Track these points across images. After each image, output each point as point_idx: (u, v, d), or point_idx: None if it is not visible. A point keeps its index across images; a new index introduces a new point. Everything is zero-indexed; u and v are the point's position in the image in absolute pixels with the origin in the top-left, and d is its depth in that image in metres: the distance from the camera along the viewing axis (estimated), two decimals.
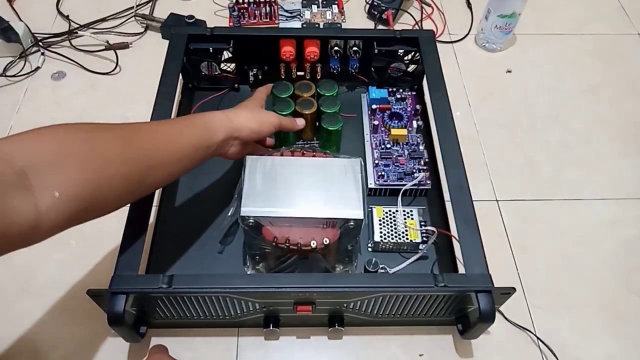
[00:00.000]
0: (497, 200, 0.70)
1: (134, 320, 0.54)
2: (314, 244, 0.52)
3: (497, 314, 0.52)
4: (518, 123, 0.79)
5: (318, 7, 0.93)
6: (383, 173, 0.67)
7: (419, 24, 0.92)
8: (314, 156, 0.58)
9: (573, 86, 0.85)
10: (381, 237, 0.62)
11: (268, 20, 0.90)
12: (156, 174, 0.49)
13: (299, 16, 0.91)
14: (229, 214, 0.56)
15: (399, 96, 0.75)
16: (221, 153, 0.56)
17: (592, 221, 0.69)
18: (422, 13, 0.93)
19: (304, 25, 0.89)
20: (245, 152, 0.58)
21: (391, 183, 0.66)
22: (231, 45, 0.72)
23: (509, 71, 0.87)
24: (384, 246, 0.62)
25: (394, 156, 0.69)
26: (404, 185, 0.65)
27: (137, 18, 0.90)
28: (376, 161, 0.68)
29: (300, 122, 0.65)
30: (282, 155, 0.58)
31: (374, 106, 0.73)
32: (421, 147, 0.70)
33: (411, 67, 0.75)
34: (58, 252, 0.63)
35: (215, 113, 0.56)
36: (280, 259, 0.55)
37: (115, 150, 0.45)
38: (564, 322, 0.60)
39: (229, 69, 0.76)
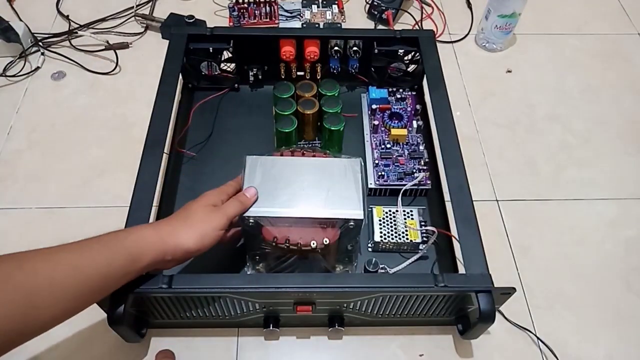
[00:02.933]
0: (497, 200, 0.70)
1: (134, 320, 0.54)
2: (314, 244, 0.52)
3: (497, 314, 0.52)
4: (518, 123, 0.79)
5: (318, 7, 0.93)
6: (383, 173, 0.67)
7: (419, 24, 0.92)
8: (313, 156, 0.58)
9: (573, 86, 0.85)
10: (381, 237, 0.62)
11: (268, 20, 0.90)
12: (45, 314, 0.40)
13: (299, 16, 0.91)
14: None
15: (399, 96, 0.75)
16: (150, 271, 0.49)
17: (592, 221, 0.69)
18: (422, 13, 0.93)
19: (304, 25, 0.89)
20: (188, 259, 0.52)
21: (391, 183, 0.66)
22: (231, 45, 0.72)
23: (509, 71, 0.87)
24: (384, 246, 0.62)
25: (394, 156, 0.69)
26: (404, 185, 0.65)
27: (137, 18, 0.90)
28: (376, 161, 0.68)
29: (250, 193, 0.52)
30: (282, 155, 0.58)
31: (374, 106, 0.73)
32: (421, 147, 0.70)
33: (411, 67, 0.75)
34: None
35: (145, 231, 0.48)
36: (280, 259, 0.55)
37: None
38: (564, 322, 0.60)
39: (229, 69, 0.76)
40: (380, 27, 0.91)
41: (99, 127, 0.76)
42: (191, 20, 0.85)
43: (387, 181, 0.67)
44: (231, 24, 0.90)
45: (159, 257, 0.47)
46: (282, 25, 0.90)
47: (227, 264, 0.61)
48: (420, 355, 0.58)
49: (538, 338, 0.59)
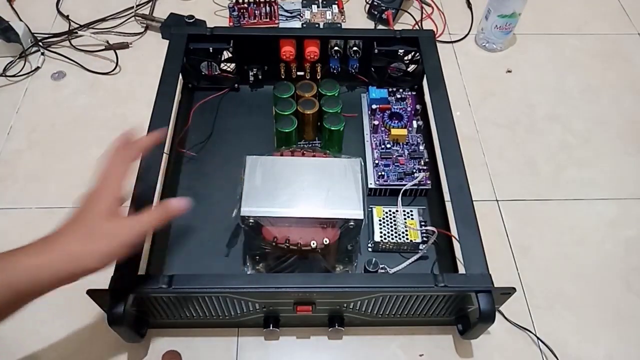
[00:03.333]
0: (497, 200, 0.70)
1: (134, 320, 0.54)
2: (314, 244, 0.52)
3: (497, 314, 0.52)
4: (518, 123, 0.79)
5: (318, 7, 0.93)
6: (383, 173, 0.67)
7: (419, 24, 0.92)
8: (313, 156, 0.58)
9: (573, 86, 0.85)
10: (381, 237, 0.62)
11: (268, 20, 0.90)
12: None
13: (299, 16, 0.91)
14: (233, 214, 0.56)
15: (399, 96, 0.75)
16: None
17: (592, 221, 0.69)
18: (422, 13, 0.93)
19: (304, 25, 0.89)
20: None
21: (391, 183, 0.66)
22: (231, 45, 0.72)
23: (509, 71, 0.87)
24: (384, 246, 0.62)
25: (394, 156, 0.69)
26: (404, 185, 0.65)
27: (137, 18, 0.90)
28: (376, 161, 0.68)
29: (178, 205, 0.46)
30: (282, 155, 0.58)
31: (374, 106, 0.73)
32: (421, 147, 0.70)
33: (411, 67, 0.75)
34: None
35: (36, 259, 0.39)
36: (280, 259, 0.55)
37: None
38: (564, 322, 0.60)
39: (229, 69, 0.76)
40: (380, 27, 0.91)
41: (99, 127, 0.76)
42: (191, 20, 0.85)
43: (387, 181, 0.67)
44: (231, 24, 0.90)
45: (55, 284, 0.40)
46: (282, 25, 0.90)
47: (227, 264, 0.61)
48: (420, 355, 0.58)
49: (538, 338, 0.59)
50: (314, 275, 0.54)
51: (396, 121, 0.72)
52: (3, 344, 0.57)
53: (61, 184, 0.70)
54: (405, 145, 0.70)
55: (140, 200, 0.55)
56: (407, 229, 0.62)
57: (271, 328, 0.55)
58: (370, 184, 0.66)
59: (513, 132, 0.78)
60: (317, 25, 0.90)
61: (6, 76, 0.81)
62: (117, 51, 0.83)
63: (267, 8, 0.89)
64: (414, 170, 0.67)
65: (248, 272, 0.59)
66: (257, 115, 0.75)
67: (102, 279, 0.50)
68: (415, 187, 0.66)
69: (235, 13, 0.89)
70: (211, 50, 0.72)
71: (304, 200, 0.53)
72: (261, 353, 0.57)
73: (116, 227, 0.42)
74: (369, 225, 0.63)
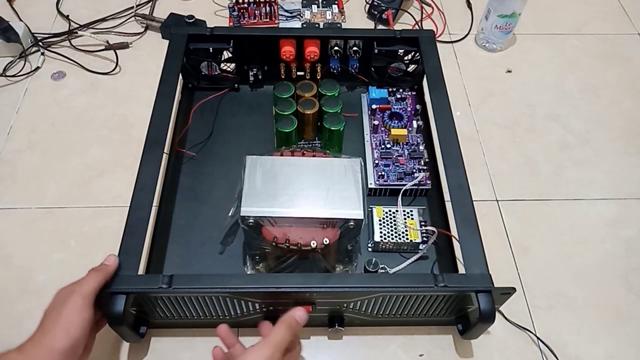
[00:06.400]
0: (497, 200, 0.70)
1: (134, 320, 0.54)
2: (314, 244, 0.52)
3: (497, 314, 0.52)
4: (518, 123, 0.79)
5: (318, 7, 0.93)
6: (383, 173, 0.67)
7: (419, 24, 0.92)
8: (313, 156, 0.58)
9: (573, 86, 0.85)
10: (381, 237, 0.62)
11: (268, 20, 0.90)
12: None
13: (299, 16, 0.91)
14: (230, 214, 0.56)
15: (399, 96, 0.75)
16: None
17: (592, 221, 0.69)
18: (422, 13, 0.93)
19: (304, 25, 0.89)
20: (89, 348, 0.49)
21: (391, 183, 0.66)
22: (231, 45, 0.72)
23: (509, 71, 0.87)
24: (384, 246, 0.62)
25: (394, 156, 0.69)
26: (404, 185, 0.65)
27: (137, 18, 0.90)
28: (376, 161, 0.68)
29: (109, 261, 0.50)
30: (282, 155, 0.58)
31: (374, 106, 0.73)
32: (421, 147, 0.70)
33: (411, 67, 0.75)
34: (58, 252, 0.63)
35: (9, 358, 0.44)
36: (280, 259, 0.55)
37: None
38: (564, 322, 0.60)
39: (229, 69, 0.76)
40: (380, 27, 0.91)
41: (99, 127, 0.76)
42: (191, 20, 0.85)
43: (387, 181, 0.67)
44: (231, 24, 0.90)
45: None
46: (282, 25, 0.90)
47: (227, 264, 0.61)
48: (420, 355, 0.58)
49: (538, 338, 0.59)
50: (314, 275, 0.54)
51: (396, 121, 0.72)
52: (3, 344, 0.57)
53: (61, 184, 0.70)
54: (405, 145, 0.70)
55: (140, 201, 0.55)
56: (407, 229, 0.62)
57: None
58: (370, 184, 0.66)
59: (513, 132, 0.78)
60: (317, 25, 0.90)
61: (6, 76, 0.81)
62: (117, 51, 0.83)
63: (267, 8, 0.89)
64: (414, 170, 0.67)
65: (248, 272, 0.59)
66: (257, 115, 0.75)
67: None
68: (415, 187, 0.66)
69: (235, 13, 0.89)
70: (211, 50, 0.72)
71: (304, 200, 0.53)
72: None
73: (61, 305, 0.45)
74: (369, 225, 0.63)
